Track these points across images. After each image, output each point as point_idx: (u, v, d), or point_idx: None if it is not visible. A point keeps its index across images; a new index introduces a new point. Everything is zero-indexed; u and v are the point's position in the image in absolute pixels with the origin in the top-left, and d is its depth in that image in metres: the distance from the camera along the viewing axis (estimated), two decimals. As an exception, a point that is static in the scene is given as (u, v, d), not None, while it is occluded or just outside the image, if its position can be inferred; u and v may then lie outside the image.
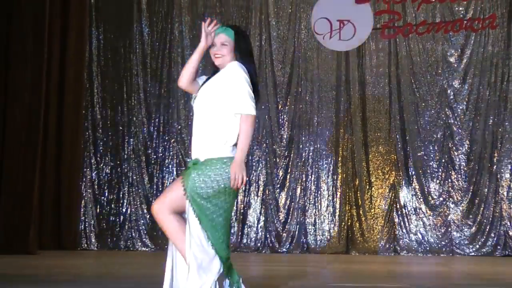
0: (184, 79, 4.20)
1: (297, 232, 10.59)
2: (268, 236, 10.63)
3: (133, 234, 10.67)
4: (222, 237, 3.99)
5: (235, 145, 4.02)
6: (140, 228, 10.69)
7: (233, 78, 4.04)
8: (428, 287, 5.69)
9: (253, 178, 10.73)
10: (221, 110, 4.04)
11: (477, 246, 10.42)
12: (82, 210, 10.65)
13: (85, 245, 10.60)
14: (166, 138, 10.88)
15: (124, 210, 10.74)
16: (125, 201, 10.75)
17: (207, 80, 4.19)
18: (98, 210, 10.71)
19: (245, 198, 10.71)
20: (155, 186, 10.77)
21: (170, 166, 10.84)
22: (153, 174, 10.80)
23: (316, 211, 10.64)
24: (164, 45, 10.98)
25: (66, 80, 10.50)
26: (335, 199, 10.65)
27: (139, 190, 10.76)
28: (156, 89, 10.95)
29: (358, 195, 10.66)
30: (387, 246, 10.53)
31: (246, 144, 4.01)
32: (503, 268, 8.42)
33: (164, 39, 10.98)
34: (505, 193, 10.46)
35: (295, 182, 10.71)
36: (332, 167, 10.72)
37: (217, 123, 4.03)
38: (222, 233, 3.98)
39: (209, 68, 4.38)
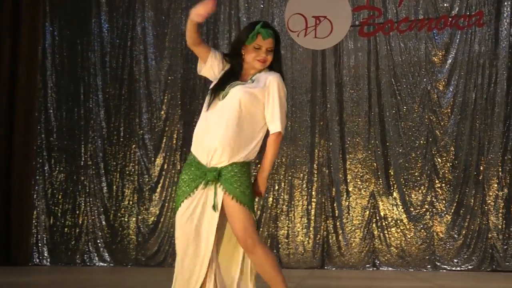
0: (189, 40, 4.26)
1: (268, 245, 10.36)
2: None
3: (90, 248, 10.45)
4: None
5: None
6: (98, 241, 10.45)
7: (276, 91, 4.11)
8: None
9: (222, 187, 10.51)
10: (257, 117, 4.10)
11: (462, 260, 10.27)
12: (34, 222, 10.42)
13: (37, 260, 10.39)
14: (127, 143, 10.64)
15: (80, 221, 10.50)
16: (82, 212, 10.51)
17: (231, 76, 4.16)
18: (51, 222, 10.48)
19: (212, 209, 10.48)
20: (114, 196, 10.53)
21: (131, 173, 10.63)
22: (112, 182, 10.57)
23: (289, 223, 10.44)
24: (125, 42, 10.75)
25: (17, 79, 10.29)
26: (310, 209, 10.45)
27: (97, 200, 10.51)
28: (116, 90, 10.70)
29: (335, 205, 10.47)
30: (366, 260, 10.36)
31: (272, 162, 4.26)
32: (490, 284, 8.40)
33: (125, 36, 10.76)
34: (492, 204, 10.31)
35: (267, 191, 10.49)
36: (307, 175, 10.52)
37: (250, 128, 4.10)
38: None
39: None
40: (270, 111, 4.11)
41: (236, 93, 4.08)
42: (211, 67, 4.25)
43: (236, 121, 4.05)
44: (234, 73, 4.19)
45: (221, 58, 4.25)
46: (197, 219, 4.02)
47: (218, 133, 4.02)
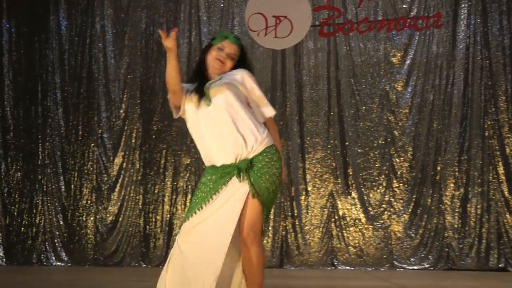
0: (171, 87, 4.13)
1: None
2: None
3: (47, 248, 10.36)
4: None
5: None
6: (55, 240, 10.36)
7: (254, 83, 4.23)
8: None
9: (182, 185, 10.49)
10: (245, 105, 4.14)
11: (419, 259, 10.34)
12: (-10, 221, 10.26)
13: (-8, 260, 10.24)
14: (86, 142, 10.57)
15: (37, 221, 10.41)
16: (39, 211, 10.42)
17: (199, 85, 4.16)
18: (7, 222, 10.38)
19: (172, 208, 10.47)
20: (72, 195, 10.45)
21: (90, 172, 10.54)
22: (71, 181, 10.49)
23: (249, 222, 10.44)
24: (84, 40, 10.67)
25: None
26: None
27: (55, 199, 10.43)
28: (75, 88, 10.61)
29: (294, 204, 10.48)
30: (324, 259, 10.38)
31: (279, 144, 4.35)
32: (446, 282, 8.43)
33: (84, 34, 10.68)
34: (448, 203, 10.40)
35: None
36: (266, 175, 10.52)
37: (249, 118, 4.11)
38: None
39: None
40: (257, 101, 4.22)
41: (219, 95, 4.10)
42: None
43: (233, 119, 4.09)
44: (202, 80, 4.22)
45: (185, 87, 4.24)
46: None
47: (226, 139, 4.08)
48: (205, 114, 4.09)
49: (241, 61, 4.29)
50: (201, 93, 4.09)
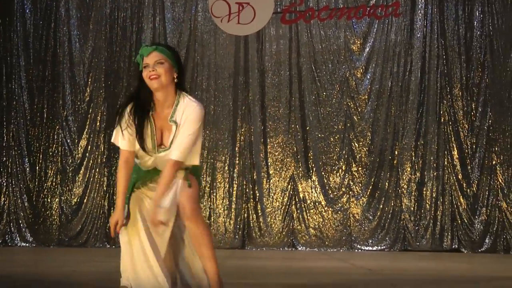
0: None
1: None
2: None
3: (12, 229, 10.34)
4: None
5: None
6: (20, 221, 10.35)
7: (191, 127, 4.01)
8: (326, 283, 5.66)
9: (145, 169, 10.51)
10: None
11: (377, 240, 10.52)
12: (-47, 202, 10.16)
13: (-43, 240, 10.17)
14: (50, 124, 10.55)
15: (2, 202, 10.39)
16: (3, 192, 10.40)
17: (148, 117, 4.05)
18: None
19: (135, 190, 10.46)
20: (37, 177, 10.44)
21: (55, 155, 10.51)
22: (36, 163, 10.46)
23: (211, 204, 10.52)
24: (49, 24, 10.64)
25: None
26: (231, 191, 10.55)
27: (20, 181, 10.41)
28: (40, 71, 10.58)
29: (256, 187, 10.59)
30: (285, 241, 10.51)
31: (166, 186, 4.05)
32: (402, 263, 8.49)
33: (49, 18, 10.64)
34: (405, 187, 10.59)
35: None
36: (228, 158, 10.60)
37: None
38: None
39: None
40: (177, 141, 4.04)
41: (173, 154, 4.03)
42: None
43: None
44: (145, 106, 4.07)
45: (126, 119, 4.10)
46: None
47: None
48: (161, 158, 4.08)
49: (175, 60, 4.10)
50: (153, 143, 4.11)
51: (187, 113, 4.02)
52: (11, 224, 10.36)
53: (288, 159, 10.66)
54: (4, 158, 10.46)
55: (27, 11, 10.63)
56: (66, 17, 10.65)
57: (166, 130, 4.09)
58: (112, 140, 4.20)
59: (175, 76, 4.06)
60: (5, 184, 10.43)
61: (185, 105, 4.04)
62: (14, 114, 10.51)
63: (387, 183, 10.60)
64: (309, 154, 10.66)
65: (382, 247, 10.50)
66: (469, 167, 10.59)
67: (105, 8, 10.70)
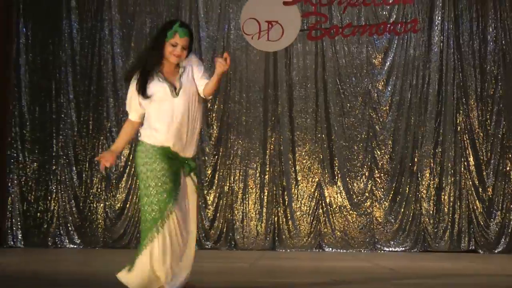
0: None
1: (225, 229, 10.54)
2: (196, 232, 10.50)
3: (61, 232, 10.44)
4: None
5: None
6: (68, 225, 10.46)
7: (201, 65, 4.45)
8: (351, 281, 5.71)
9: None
10: (199, 104, 4.41)
11: (398, 242, 10.52)
12: (8, 207, 10.37)
13: (12, 242, 10.35)
14: (96, 135, 10.65)
15: (52, 207, 10.48)
16: (53, 198, 10.50)
17: (147, 72, 4.35)
18: (25, 208, 10.44)
19: (174, 196, 10.53)
20: (84, 184, 10.55)
21: (99, 164, 10.55)
22: (82, 171, 10.57)
23: (244, 209, 10.57)
24: (94, 43, 10.74)
25: None
26: (262, 197, 10.59)
27: (68, 188, 10.51)
28: (86, 86, 10.69)
29: (285, 193, 10.62)
30: (313, 243, 10.54)
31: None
32: (422, 263, 8.51)
33: (94, 37, 10.75)
34: (424, 192, 10.58)
35: (223, 180, 10.64)
36: (260, 166, 10.65)
37: (199, 124, 4.43)
38: None
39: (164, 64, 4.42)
40: (199, 79, 4.39)
41: (184, 88, 4.34)
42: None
43: (194, 113, 4.37)
44: (152, 71, 4.35)
45: (138, 90, 4.38)
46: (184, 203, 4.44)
47: (185, 130, 4.33)
48: (180, 102, 4.32)
49: (190, 48, 4.45)
50: (170, 85, 4.35)
51: (192, 63, 4.42)
52: (60, 227, 10.47)
53: (315, 166, 10.70)
54: (54, 167, 10.57)
55: (74, 31, 10.74)
56: (109, 36, 10.76)
57: (175, 79, 4.37)
58: (126, 108, 4.52)
59: None
60: (54, 190, 10.54)
61: (188, 59, 4.41)
62: (62, 126, 10.62)
63: (407, 188, 10.60)
64: (335, 162, 10.69)
65: (403, 248, 10.51)
66: (484, 173, 10.56)
67: (145, 27, 10.78)
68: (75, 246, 10.42)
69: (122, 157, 10.58)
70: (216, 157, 10.72)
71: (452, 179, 10.56)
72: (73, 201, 10.50)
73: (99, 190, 10.58)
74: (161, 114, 4.30)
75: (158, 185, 4.28)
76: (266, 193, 10.58)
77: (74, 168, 10.57)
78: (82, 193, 10.53)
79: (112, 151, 4.52)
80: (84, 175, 10.58)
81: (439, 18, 10.71)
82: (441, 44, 10.70)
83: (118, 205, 10.55)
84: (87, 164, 10.61)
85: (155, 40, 4.42)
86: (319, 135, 10.72)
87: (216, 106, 10.74)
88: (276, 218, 10.59)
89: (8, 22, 10.43)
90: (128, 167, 10.59)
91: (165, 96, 4.31)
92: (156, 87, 4.32)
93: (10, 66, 10.45)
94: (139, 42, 10.71)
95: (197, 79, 4.38)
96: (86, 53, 10.75)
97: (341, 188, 10.63)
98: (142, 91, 4.34)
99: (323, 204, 10.62)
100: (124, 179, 10.60)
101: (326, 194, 10.64)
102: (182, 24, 4.39)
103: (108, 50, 10.76)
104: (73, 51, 10.72)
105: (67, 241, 10.44)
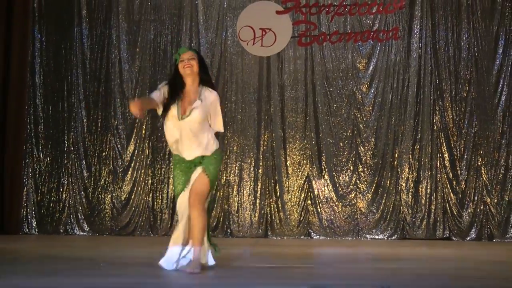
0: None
1: (221, 219, 10.52)
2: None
3: (72, 220, 10.42)
4: None
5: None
6: (78, 214, 10.44)
7: (218, 107, 5.05)
8: (337, 266, 5.69)
9: (183, 169, 10.55)
10: (207, 124, 5.04)
11: (380, 230, 10.52)
12: (24, 198, 10.37)
13: (27, 230, 10.33)
14: (104, 132, 10.63)
15: (63, 198, 10.47)
16: (65, 189, 10.48)
17: (179, 96, 4.98)
18: (39, 198, 10.42)
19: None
20: (92, 176, 10.54)
21: (107, 158, 10.60)
22: (91, 165, 10.56)
23: (239, 200, 10.56)
24: (102, 47, 10.72)
25: (10, 78, 10.22)
26: (256, 189, 10.58)
27: (78, 180, 10.50)
28: (95, 88, 10.67)
29: (277, 186, 10.61)
30: (302, 231, 10.53)
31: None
32: (400, 249, 8.56)
33: (103, 42, 10.72)
34: (403, 184, 10.57)
35: (220, 173, 10.60)
36: (254, 161, 10.63)
37: (206, 134, 5.02)
38: None
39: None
40: (214, 121, 5.09)
41: (195, 115, 4.95)
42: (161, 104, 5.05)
43: (200, 132, 4.98)
44: (177, 90, 4.95)
45: (162, 90, 5.01)
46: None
47: (190, 143, 4.99)
48: (184, 124, 4.94)
49: (201, 59, 5.05)
50: (182, 111, 4.98)
51: (210, 99, 4.99)
52: (71, 216, 10.46)
53: (304, 161, 10.68)
54: (65, 161, 10.55)
55: (84, 37, 10.71)
56: (116, 41, 10.74)
57: (189, 105, 4.92)
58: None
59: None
60: (66, 182, 10.52)
61: (209, 92, 4.99)
62: (73, 123, 10.61)
63: (388, 182, 10.60)
64: (322, 157, 10.68)
65: (384, 236, 10.50)
66: (458, 168, 10.57)
67: (150, 34, 10.76)
68: (85, 233, 10.40)
69: (128, 152, 10.57)
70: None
71: (429, 173, 10.56)
72: (82, 192, 10.49)
73: (106, 182, 10.56)
74: (171, 131, 4.98)
75: (176, 181, 5.13)
76: (259, 186, 10.55)
77: (83, 162, 10.56)
78: (91, 185, 10.52)
79: (142, 99, 5.46)
80: (93, 168, 10.56)
81: (418, 27, 10.71)
82: (420, 50, 10.70)
83: (124, 196, 10.53)
84: (95, 159, 10.59)
85: (174, 69, 5.08)
86: (308, 133, 10.71)
87: (214, 106, 10.67)
88: (268, 209, 10.58)
89: (25, 29, 10.41)
90: (133, 161, 10.57)
91: (174, 117, 4.92)
92: (172, 106, 4.93)
93: (26, 69, 10.43)
94: (144, 47, 10.71)
95: (212, 114, 5.02)
96: (95, 57, 10.73)
97: (328, 181, 10.63)
98: (165, 105, 4.97)
99: (312, 196, 10.61)
100: (129, 172, 10.58)
101: (314, 187, 10.63)
102: (186, 46, 5.20)
103: (116, 55, 10.74)
104: (84, 55, 10.70)
105: (77, 228, 10.43)
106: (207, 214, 5.03)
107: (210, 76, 5.14)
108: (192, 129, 4.94)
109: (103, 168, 10.59)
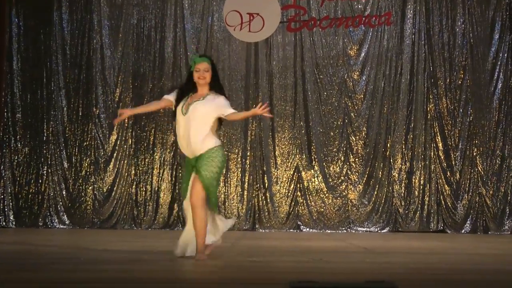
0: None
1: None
2: (180, 214, 10.49)
3: (51, 213, 10.35)
4: None
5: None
6: (58, 206, 10.36)
7: (223, 101, 5.43)
8: (327, 260, 5.65)
9: (169, 160, 10.54)
10: (213, 118, 5.36)
11: (372, 223, 10.51)
12: (0, 189, 10.30)
13: (3, 223, 10.26)
14: (85, 121, 10.54)
15: (42, 189, 10.40)
16: (44, 181, 10.41)
17: (187, 96, 5.40)
18: (16, 190, 10.37)
19: (159, 179, 10.52)
20: (73, 167, 10.46)
21: (88, 148, 10.52)
22: (72, 155, 10.48)
23: (226, 191, 10.53)
24: (84, 33, 10.62)
25: None
26: (244, 180, 10.55)
27: (58, 171, 10.42)
28: (75, 75, 10.58)
29: (265, 176, 10.58)
30: (291, 223, 10.51)
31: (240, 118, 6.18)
32: (393, 242, 8.49)
33: (84, 27, 10.64)
34: (396, 175, 10.58)
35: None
36: (241, 151, 10.59)
37: (203, 130, 5.31)
38: None
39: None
40: (223, 111, 5.38)
41: (196, 108, 5.30)
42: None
43: (199, 128, 5.28)
44: (188, 91, 5.40)
45: (175, 93, 5.48)
46: None
47: (192, 138, 5.30)
48: (186, 119, 5.32)
49: (214, 69, 5.48)
50: (186, 106, 5.37)
51: (216, 100, 5.38)
52: (51, 209, 10.38)
53: (293, 151, 10.65)
54: (45, 151, 10.47)
55: (64, 21, 10.63)
56: (98, 27, 10.64)
57: (193, 102, 5.36)
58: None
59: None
60: (45, 174, 10.44)
61: (215, 95, 5.42)
62: (53, 112, 10.52)
63: (380, 172, 10.60)
64: (312, 147, 10.66)
65: (376, 229, 10.50)
66: (452, 158, 10.58)
67: (133, 19, 10.69)
68: (65, 227, 10.35)
69: (110, 142, 10.51)
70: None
71: (422, 163, 10.57)
72: (63, 183, 10.44)
73: (87, 173, 10.50)
74: (177, 128, 5.41)
75: (182, 179, 5.70)
76: (247, 177, 10.52)
77: (64, 153, 10.49)
78: (71, 176, 10.46)
79: (131, 109, 5.75)
80: (73, 159, 10.50)
81: (411, 12, 10.69)
82: (413, 36, 10.68)
83: (106, 188, 10.48)
84: (76, 149, 10.53)
85: (188, 74, 5.52)
86: (297, 122, 10.68)
87: (199, 94, 10.65)
88: (256, 200, 10.55)
89: (1, 14, 10.28)
90: (116, 152, 10.50)
91: (179, 113, 5.35)
92: (180, 104, 5.37)
93: (3, 55, 10.32)
94: (127, 33, 10.64)
95: (221, 106, 5.33)
96: (76, 43, 10.63)
97: (318, 172, 10.62)
98: (176, 103, 5.45)
99: (301, 187, 10.60)
100: (112, 163, 10.52)
101: (304, 178, 10.62)
102: (200, 55, 5.56)
103: (97, 40, 10.65)
104: (64, 41, 10.60)
105: (57, 221, 10.38)
106: (213, 208, 5.45)
107: (220, 84, 5.54)
108: (193, 124, 5.28)
109: (84, 158, 10.51)
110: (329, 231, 10.41)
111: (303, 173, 10.62)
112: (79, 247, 7.12)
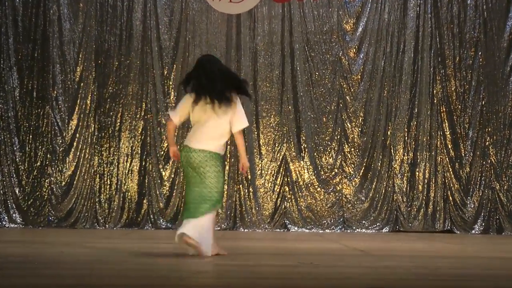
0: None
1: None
2: (150, 211, 10.46)
3: (0, 210, 10.32)
4: None
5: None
6: (8, 202, 10.33)
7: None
8: (316, 264, 5.66)
9: (135, 150, 10.51)
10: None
11: (369, 222, 10.57)
12: None
13: None
14: (40, 104, 10.48)
15: None
16: None
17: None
18: None
19: (125, 171, 10.49)
20: (27, 157, 10.40)
21: (45, 135, 10.46)
22: (25, 143, 10.42)
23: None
24: (38, 2, 10.53)
25: None
26: (223, 172, 10.55)
27: (9, 161, 10.36)
28: (29, 50, 10.50)
29: (248, 170, 10.57)
30: (277, 222, 10.54)
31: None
32: (393, 244, 8.59)
33: None
34: (398, 168, 10.63)
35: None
36: (220, 139, 10.60)
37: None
38: None
39: None
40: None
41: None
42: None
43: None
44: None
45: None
46: None
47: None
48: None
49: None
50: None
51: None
52: (0, 205, 10.32)
53: (280, 140, 10.68)
54: (-6, 138, 10.39)
55: (16, -12, 10.52)
56: (56, -5, 10.55)
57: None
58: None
59: None
60: (-7, 165, 10.37)
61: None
62: (2, 93, 10.43)
63: (379, 164, 10.65)
64: (302, 135, 10.69)
65: (374, 228, 10.57)
66: (462, 148, 10.64)
67: (96, -13, 10.61)
68: (16, 226, 10.31)
69: (70, 128, 10.49)
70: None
71: (427, 154, 10.63)
72: (14, 176, 10.38)
73: (43, 164, 10.44)
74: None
75: None
76: (227, 169, 10.54)
77: (16, 140, 10.44)
78: (25, 167, 10.40)
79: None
80: (27, 147, 10.44)
81: (416, -20, 10.69)
82: (418, 8, 10.71)
83: (65, 181, 10.43)
84: (30, 136, 10.46)
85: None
86: (285, 106, 10.69)
87: (173, 74, 10.65)
88: (237, 196, 10.58)
89: None
90: (76, 139, 10.47)
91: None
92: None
93: None
94: (89, 2, 10.58)
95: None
96: (29, 14, 10.53)
97: (308, 164, 10.65)
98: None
99: (289, 181, 10.63)
100: (72, 152, 10.47)
101: (292, 170, 10.65)
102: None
103: (54, 11, 10.57)
104: (15, 11, 10.50)
105: (7, 219, 10.34)
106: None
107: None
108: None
109: (40, 147, 10.45)
110: (320, 231, 10.44)
111: (291, 164, 10.64)
112: (32, 249, 7.10)
